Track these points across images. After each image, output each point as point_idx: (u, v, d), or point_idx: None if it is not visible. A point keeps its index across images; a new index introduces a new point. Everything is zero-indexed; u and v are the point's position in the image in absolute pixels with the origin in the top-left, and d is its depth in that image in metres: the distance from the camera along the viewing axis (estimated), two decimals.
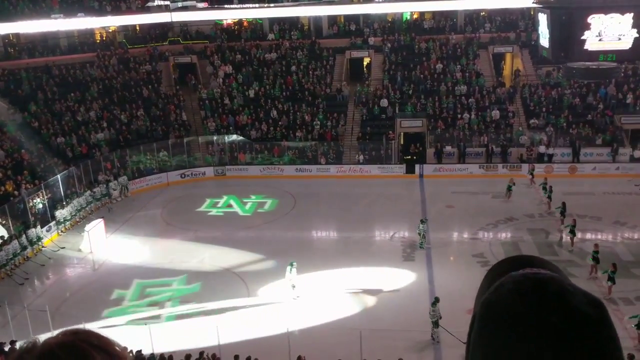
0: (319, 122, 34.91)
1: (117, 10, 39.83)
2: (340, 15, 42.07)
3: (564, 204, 24.14)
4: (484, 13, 41.21)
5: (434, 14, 41.98)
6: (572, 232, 22.23)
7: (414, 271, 21.48)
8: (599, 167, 31.20)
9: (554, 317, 0.99)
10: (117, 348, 1.22)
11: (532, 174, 29.69)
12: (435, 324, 16.66)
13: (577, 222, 22.62)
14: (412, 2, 39.85)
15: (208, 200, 30.32)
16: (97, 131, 33.67)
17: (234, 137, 35.12)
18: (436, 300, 16.92)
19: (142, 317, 18.69)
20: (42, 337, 1.21)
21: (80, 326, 16.66)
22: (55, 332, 1.24)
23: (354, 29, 41.33)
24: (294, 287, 19.47)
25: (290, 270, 19.51)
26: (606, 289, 18.41)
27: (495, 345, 1.02)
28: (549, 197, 26.19)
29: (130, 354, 15.16)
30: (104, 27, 41.62)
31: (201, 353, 14.96)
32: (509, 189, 27.98)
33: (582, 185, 29.64)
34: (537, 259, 1.18)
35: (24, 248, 23.78)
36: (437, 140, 33.26)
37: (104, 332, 1.25)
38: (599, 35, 19.23)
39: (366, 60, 40.23)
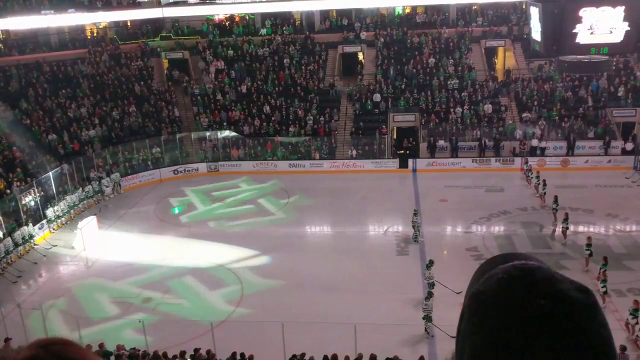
0: (312, 118, 34.87)
1: (108, 6, 39.57)
2: (332, 10, 41.97)
3: (556, 197, 24.22)
4: (476, 7, 41.19)
5: (426, 8, 41.96)
6: (565, 224, 22.35)
7: (407, 265, 21.54)
8: (591, 160, 31.35)
9: (543, 301, 0.99)
10: None
11: (527, 168, 29.74)
12: (428, 318, 16.73)
13: (570, 214, 22.71)
14: None
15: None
16: (88, 128, 33.51)
17: (227, 132, 35.04)
18: (429, 295, 16.99)
19: (136, 314, 18.64)
20: (34, 336, 1.17)
21: (74, 323, 16.65)
22: (53, 330, 1.19)
23: (346, 24, 41.26)
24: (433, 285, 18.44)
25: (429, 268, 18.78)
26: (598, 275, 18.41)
27: (485, 332, 1.02)
28: (544, 191, 26.26)
29: (125, 351, 15.14)
30: (94, 23, 41.32)
31: (196, 349, 14.94)
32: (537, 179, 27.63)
33: (575, 178, 29.77)
34: (523, 254, 1.19)
35: (16, 246, 23.68)
36: (430, 134, 33.31)
37: (97, 330, 1.22)
38: (591, 28, 19.25)
39: (360, 56, 40.16)
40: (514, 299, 1.02)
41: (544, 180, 26.51)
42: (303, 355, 14.79)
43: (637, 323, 16.00)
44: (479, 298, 1.08)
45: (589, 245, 20.02)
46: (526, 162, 30.37)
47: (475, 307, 1.07)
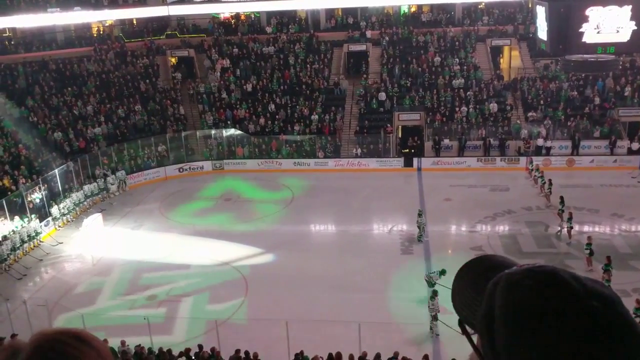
0: (317, 116, 34.87)
1: (114, 4, 39.69)
2: (338, 9, 41.95)
3: (562, 198, 24.14)
4: (482, 6, 41.11)
5: (432, 7, 41.87)
6: (569, 223, 22.33)
7: (412, 264, 21.53)
8: (596, 159, 31.24)
9: (595, 302, 0.99)
10: (98, 343, 1.25)
11: (534, 167, 29.54)
12: (434, 317, 16.71)
13: (575, 214, 22.65)
14: None
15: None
16: (94, 126, 33.61)
17: (232, 131, 35.09)
18: (434, 294, 16.94)
19: (140, 311, 18.69)
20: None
21: (79, 320, 16.72)
22: (54, 327, 1.25)
23: (351, 22, 41.23)
24: (433, 284, 17.95)
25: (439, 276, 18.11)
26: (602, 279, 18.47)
27: (543, 345, 0.98)
28: (549, 190, 26.19)
29: (129, 348, 15.21)
30: (100, 21, 41.44)
31: (200, 346, 15.00)
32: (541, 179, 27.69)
33: (580, 177, 29.68)
34: (495, 256, 1.24)
35: (22, 243, 23.79)
36: (435, 133, 33.27)
37: (103, 327, 1.27)
38: (597, 27, 19.21)
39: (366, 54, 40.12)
40: (567, 304, 0.99)
41: (550, 180, 26.43)
42: (302, 353, 14.80)
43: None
44: (520, 308, 1.02)
45: (589, 244, 20.00)
46: (531, 162, 30.27)
47: (519, 320, 1.02)
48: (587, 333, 0.97)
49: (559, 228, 23.64)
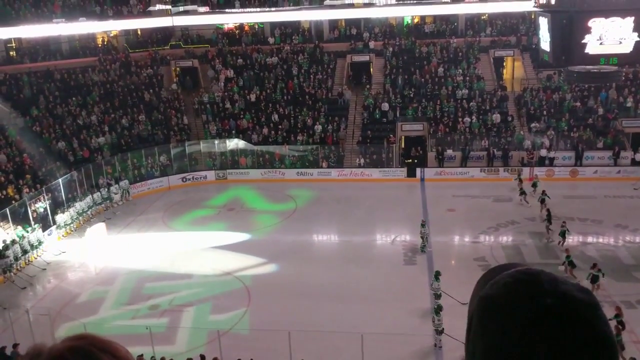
0: (320, 126, 34.95)
1: (118, 15, 39.92)
2: (341, 20, 42.14)
3: (548, 211, 24.03)
4: (485, 17, 41.28)
5: (435, 18, 42.06)
6: (563, 236, 22.27)
7: (415, 275, 21.47)
8: (600, 170, 31.18)
9: (549, 300, 1.05)
10: (123, 352, 1.26)
11: (520, 179, 29.22)
12: (439, 332, 16.60)
13: (579, 225, 22.54)
14: (413, 6, 39.91)
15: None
16: (98, 135, 33.73)
17: (235, 141, 35.17)
18: (438, 309, 16.84)
19: (143, 321, 18.66)
20: (43, 341, 1.24)
21: (82, 329, 16.71)
22: (60, 337, 1.26)
23: (354, 33, 41.41)
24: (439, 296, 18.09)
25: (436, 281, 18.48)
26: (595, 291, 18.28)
27: (495, 333, 1.08)
28: (543, 200, 25.93)
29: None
30: (105, 32, 41.70)
31: (202, 357, 14.95)
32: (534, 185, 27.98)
33: (584, 188, 29.62)
34: (522, 264, 1.26)
35: (25, 252, 23.81)
36: (438, 143, 33.29)
37: (106, 336, 1.28)
38: (600, 39, 19.26)
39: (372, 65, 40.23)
40: (522, 300, 1.08)
41: (544, 191, 26.28)
42: None
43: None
44: (487, 301, 1.14)
45: (568, 257, 19.91)
46: (518, 176, 29.54)
47: (485, 310, 1.13)
48: (532, 326, 1.03)
49: (546, 240, 23.44)
